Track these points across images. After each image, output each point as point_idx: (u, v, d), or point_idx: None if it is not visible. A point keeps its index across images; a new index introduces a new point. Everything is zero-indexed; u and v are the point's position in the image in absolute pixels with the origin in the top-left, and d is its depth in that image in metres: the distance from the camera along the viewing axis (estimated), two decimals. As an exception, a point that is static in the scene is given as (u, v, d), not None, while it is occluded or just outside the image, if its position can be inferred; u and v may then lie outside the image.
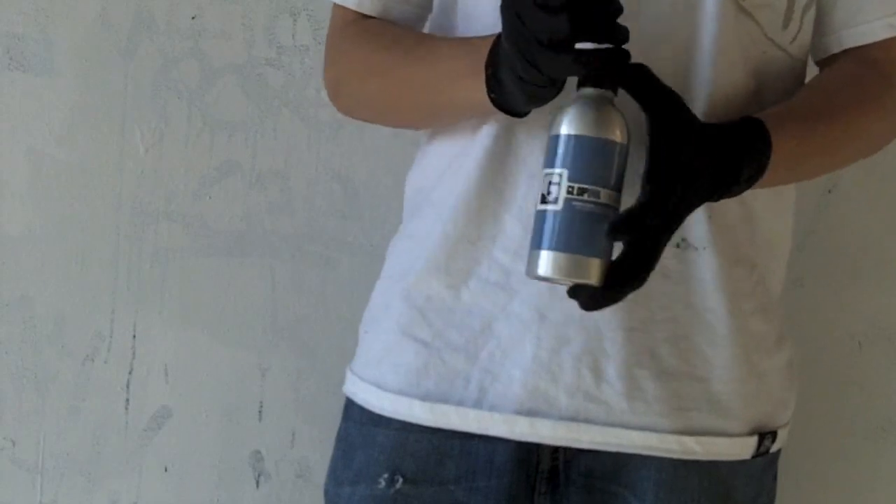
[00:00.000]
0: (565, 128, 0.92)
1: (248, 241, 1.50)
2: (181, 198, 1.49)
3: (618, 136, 0.92)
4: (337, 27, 1.17)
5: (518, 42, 0.90)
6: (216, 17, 1.47)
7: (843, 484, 1.56)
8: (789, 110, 1.06)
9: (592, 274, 0.92)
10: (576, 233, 0.91)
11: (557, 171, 0.91)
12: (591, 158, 0.91)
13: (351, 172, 1.50)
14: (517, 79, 0.93)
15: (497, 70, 0.96)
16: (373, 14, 1.14)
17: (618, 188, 0.92)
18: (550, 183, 0.91)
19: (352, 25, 1.15)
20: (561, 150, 0.92)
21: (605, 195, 0.91)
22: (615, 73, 0.93)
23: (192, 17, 1.47)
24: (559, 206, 0.91)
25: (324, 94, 1.48)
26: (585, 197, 0.91)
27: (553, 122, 0.93)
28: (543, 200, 0.92)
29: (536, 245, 0.92)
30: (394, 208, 1.50)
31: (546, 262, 0.92)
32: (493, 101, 0.98)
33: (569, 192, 0.91)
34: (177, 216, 1.49)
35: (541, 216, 0.92)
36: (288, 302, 1.51)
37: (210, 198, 1.49)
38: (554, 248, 0.91)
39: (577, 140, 0.91)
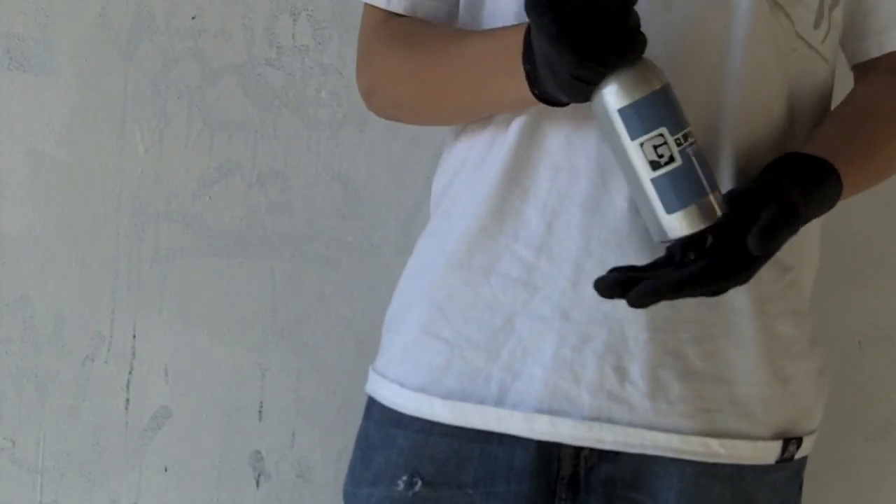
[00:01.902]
0: (635, 93, 0.92)
1: (248, 241, 1.50)
2: (181, 198, 1.48)
3: (665, 76, 0.94)
4: (368, 29, 1.16)
5: (577, 44, 0.90)
6: (216, 17, 1.47)
7: (843, 484, 1.56)
8: (846, 140, 1.06)
9: (718, 207, 0.94)
10: (698, 178, 0.93)
11: (658, 132, 0.92)
12: (673, 105, 0.93)
13: (351, 172, 1.50)
14: (573, 79, 0.93)
15: (535, 68, 0.96)
16: (401, 12, 1.13)
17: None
18: (656, 147, 0.92)
19: (382, 27, 1.14)
20: (646, 113, 0.92)
21: (693, 131, 0.93)
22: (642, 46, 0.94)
23: (192, 17, 1.47)
24: (679, 161, 0.92)
25: (324, 93, 1.49)
26: (690, 141, 0.93)
27: (608, 97, 0.93)
28: (657, 166, 0.92)
29: (672, 209, 0.93)
30: (394, 208, 1.50)
31: (694, 216, 0.93)
32: (536, 96, 0.98)
33: (678, 144, 0.92)
34: (177, 216, 1.49)
35: (662, 181, 0.93)
36: (288, 302, 1.51)
37: (210, 198, 1.49)
38: (695, 198, 0.93)
39: (654, 97, 0.92)
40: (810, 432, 1.14)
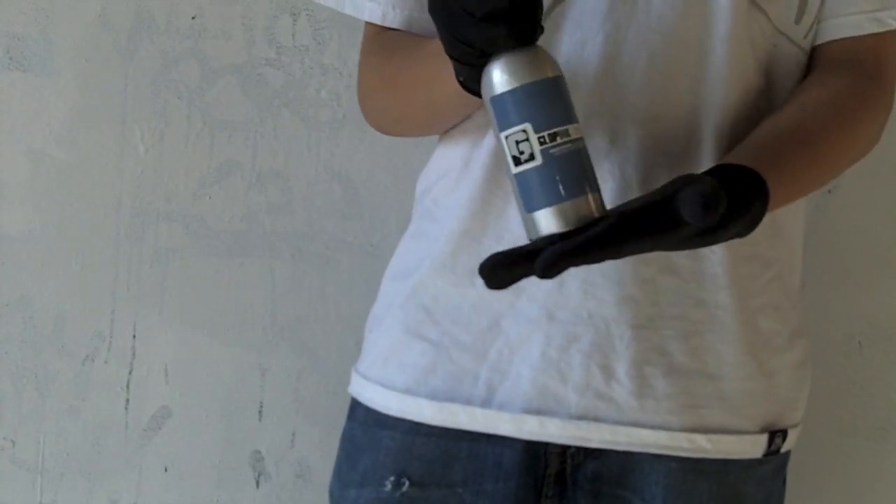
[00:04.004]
0: (507, 83, 0.89)
1: (248, 241, 1.50)
2: (181, 198, 1.49)
3: (555, 69, 0.90)
4: (363, 43, 1.17)
5: (445, 17, 0.88)
6: (216, 17, 1.47)
7: (843, 484, 1.56)
8: (781, 149, 1.02)
9: (594, 210, 0.89)
10: (564, 178, 0.88)
11: (520, 127, 0.88)
12: (547, 101, 0.89)
13: (351, 172, 1.50)
14: (452, 60, 0.91)
15: None
16: (396, 27, 1.13)
17: (576, 118, 0.90)
18: (518, 143, 0.88)
19: (373, 40, 1.14)
20: (513, 106, 0.89)
21: (573, 130, 0.89)
22: (536, 31, 0.90)
23: (192, 17, 1.47)
24: (538, 161, 0.88)
25: (324, 93, 1.49)
26: (559, 140, 0.88)
27: (487, 84, 0.90)
28: (518, 162, 0.89)
29: (530, 208, 0.89)
30: (394, 208, 1.50)
31: (548, 219, 0.89)
32: (461, 84, 0.96)
33: (542, 143, 0.88)
34: (177, 216, 1.49)
35: (522, 178, 0.89)
36: (288, 302, 1.51)
37: (210, 198, 1.49)
38: (550, 203, 0.88)
39: (525, 90, 0.88)
40: (794, 425, 1.14)
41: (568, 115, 0.89)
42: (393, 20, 1.12)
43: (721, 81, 1.04)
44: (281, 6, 1.48)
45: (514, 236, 1.06)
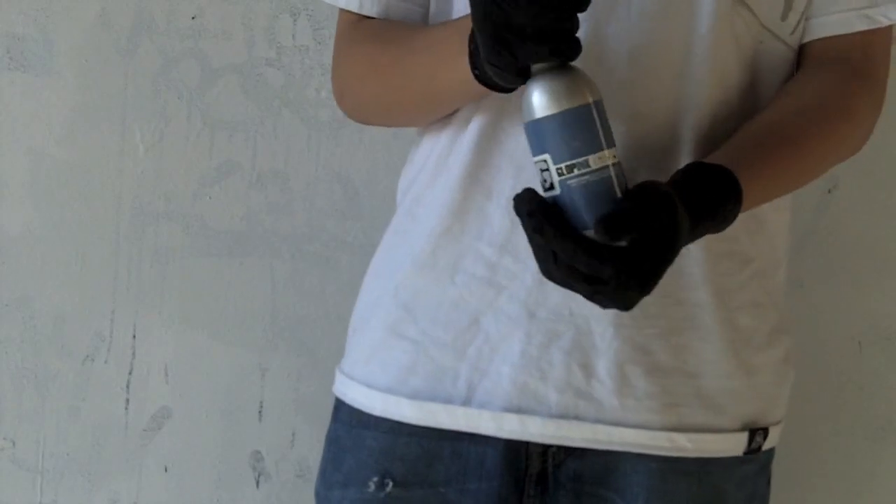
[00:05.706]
0: (536, 112, 0.90)
1: (248, 241, 1.50)
2: (181, 198, 1.49)
3: (588, 96, 0.91)
4: (340, 32, 1.16)
5: (495, 29, 0.89)
6: (216, 17, 1.47)
7: (843, 484, 1.56)
8: (760, 147, 1.02)
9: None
10: (584, 207, 0.90)
11: (542, 157, 0.91)
12: (569, 133, 0.90)
13: (351, 172, 1.50)
14: (489, 64, 0.92)
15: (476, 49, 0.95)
16: (374, 15, 1.13)
17: (608, 144, 0.91)
18: (542, 171, 0.91)
19: (352, 29, 1.14)
20: (538, 135, 0.91)
21: (594, 160, 0.90)
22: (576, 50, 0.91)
23: (192, 17, 1.47)
24: (558, 191, 0.90)
25: (324, 93, 1.49)
26: (576, 172, 0.90)
27: (523, 108, 0.92)
28: (544, 188, 0.92)
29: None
30: (394, 208, 1.50)
31: None
32: (476, 77, 0.96)
33: (560, 174, 0.90)
34: (177, 216, 1.49)
35: (553, 201, 0.92)
36: (288, 302, 1.51)
37: (210, 198, 1.49)
38: (581, 228, 0.91)
39: (549, 120, 0.90)
40: (776, 423, 1.14)
41: (592, 145, 0.90)
42: (370, 9, 1.12)
43: (702, 79, 1.04)
44: (281, 6, 1.48)
45: (494, 233, 1.07)
